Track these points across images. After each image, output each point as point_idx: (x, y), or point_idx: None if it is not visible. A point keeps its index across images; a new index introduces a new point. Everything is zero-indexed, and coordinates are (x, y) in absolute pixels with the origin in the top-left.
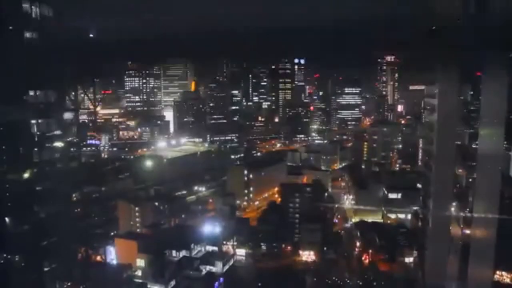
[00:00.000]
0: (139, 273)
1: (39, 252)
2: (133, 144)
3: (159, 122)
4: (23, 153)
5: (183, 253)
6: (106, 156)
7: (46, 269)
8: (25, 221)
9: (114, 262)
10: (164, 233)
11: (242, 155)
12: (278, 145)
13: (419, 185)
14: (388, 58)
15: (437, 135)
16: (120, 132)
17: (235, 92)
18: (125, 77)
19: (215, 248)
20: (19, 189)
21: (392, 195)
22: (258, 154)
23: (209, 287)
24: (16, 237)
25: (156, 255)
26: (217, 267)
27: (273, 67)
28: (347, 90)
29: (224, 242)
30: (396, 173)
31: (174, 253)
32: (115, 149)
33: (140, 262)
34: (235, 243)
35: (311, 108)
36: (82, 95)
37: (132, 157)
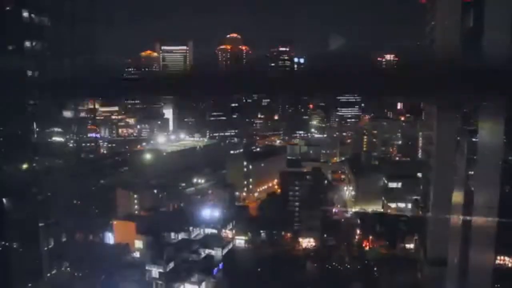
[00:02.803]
0: (137, 254)
1: (37, 240)
2: (133, 140)
3: (159, 121)
4: (23, 147)
5: (182, 235)
6: (105, 151)
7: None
8: (23, 211)
9: (112, 242)
10: (163, 216)
11: (241, 150)
12: (278, 141)
13: (419, 175)
14: (388, 57)
15: (437, 130)
16: (120, 129)
17: None
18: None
19: (214, 231)
20: (17, 181)
21: (392, 184)
22: (258, 149)
23: (208, 270)
24: (16, 225)
25: (155, 237)
26: (216, 251)
27: (272, 64)
28: None
29: (223, 229)
30: (396, 163)
31: (172, 235)
32: (114, 144)
33: (139, 244)
34: (234, 229)
35: (311, 106)
36: None
37: (131, 152)
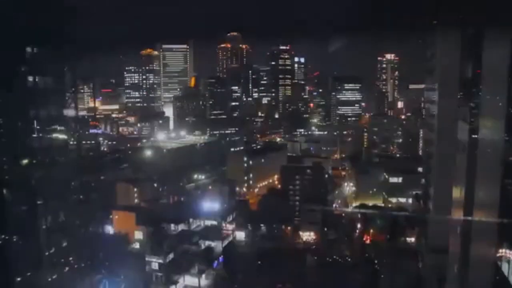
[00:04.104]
0: (137, 245)
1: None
2: (133, 138)
3: (160, 121)
4: (23, 145)
5: (181, 226)
6: (105, 149)
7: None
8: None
9: (111, 232)
10: (163, 207)
11: (242, 147)
12: (278, 139)
13: (419, 169)
14: (388, 56)
15: (438, 126)
16: (120, 128)
17: (235, 88)
18: (125, 73)
19: (214, 223)
20: (19, 176)
21: (393, 179)
22: (258, 147)
23: (208, 262)
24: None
25: (154, 228)
26: (216, 242)
27: (273, 63)
28: (347, 86)
29: (223, 222)
30: (397, 159)
31: (172, 226)
32: (114, 142)
33: (138, 235)
34: (234, 223)
35: (311, 105)
36: (82, 91)
37: (131, 149)
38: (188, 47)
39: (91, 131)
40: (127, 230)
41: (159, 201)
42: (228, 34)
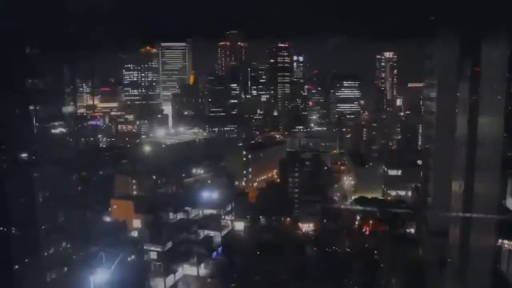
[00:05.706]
0: (135, 234)
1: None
2: (132, 135)
3: (159, 117)
4: (23, 141)
5: (180, 215)
6: (104, 145)
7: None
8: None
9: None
10: (161, 196)
11: (240, 144)
12: (277, 136)
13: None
14: (387, 54)
15: (437, 122)
16: (119, 125)
17: (234, 85)
18: (124, 71)
19: (213, 212)
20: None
21: (392, 172)
22: (257, 143)
23: (207, 251)
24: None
25: (153, 216)
26: (215, 231)
27: (271, 60)
28: (346, 83)
29: (222, 212)
30: (396, 152)
31: (171, 215)
32: (113, 139)
33: (136, 223)
34: (232, 213)
35: (310, 103)
36: (81, 88)
37: (130, 145)
38: (187, 45)
39: (90, 122)
40: (125, 218)
41: (157, 190)
42: (227, 32)
